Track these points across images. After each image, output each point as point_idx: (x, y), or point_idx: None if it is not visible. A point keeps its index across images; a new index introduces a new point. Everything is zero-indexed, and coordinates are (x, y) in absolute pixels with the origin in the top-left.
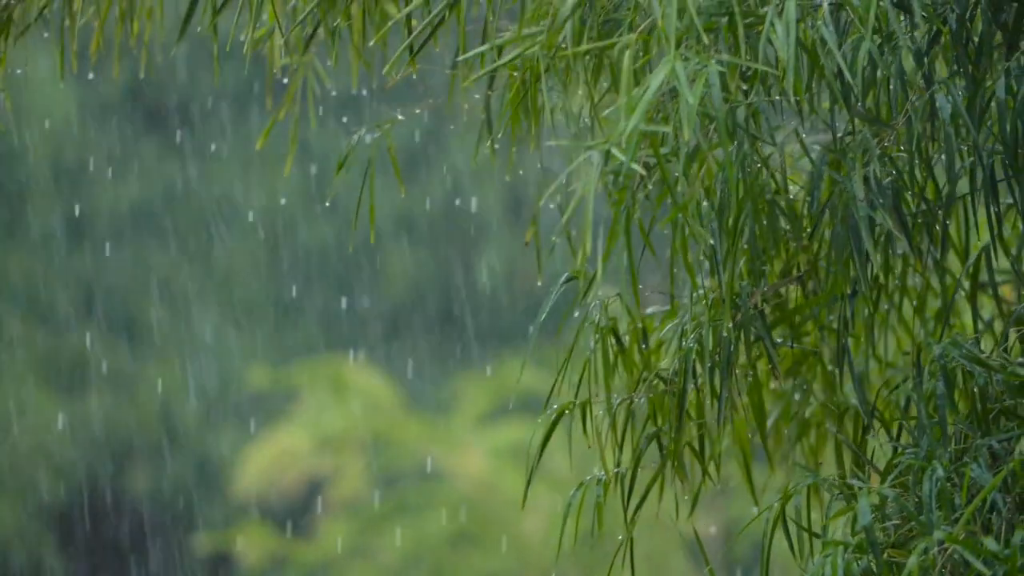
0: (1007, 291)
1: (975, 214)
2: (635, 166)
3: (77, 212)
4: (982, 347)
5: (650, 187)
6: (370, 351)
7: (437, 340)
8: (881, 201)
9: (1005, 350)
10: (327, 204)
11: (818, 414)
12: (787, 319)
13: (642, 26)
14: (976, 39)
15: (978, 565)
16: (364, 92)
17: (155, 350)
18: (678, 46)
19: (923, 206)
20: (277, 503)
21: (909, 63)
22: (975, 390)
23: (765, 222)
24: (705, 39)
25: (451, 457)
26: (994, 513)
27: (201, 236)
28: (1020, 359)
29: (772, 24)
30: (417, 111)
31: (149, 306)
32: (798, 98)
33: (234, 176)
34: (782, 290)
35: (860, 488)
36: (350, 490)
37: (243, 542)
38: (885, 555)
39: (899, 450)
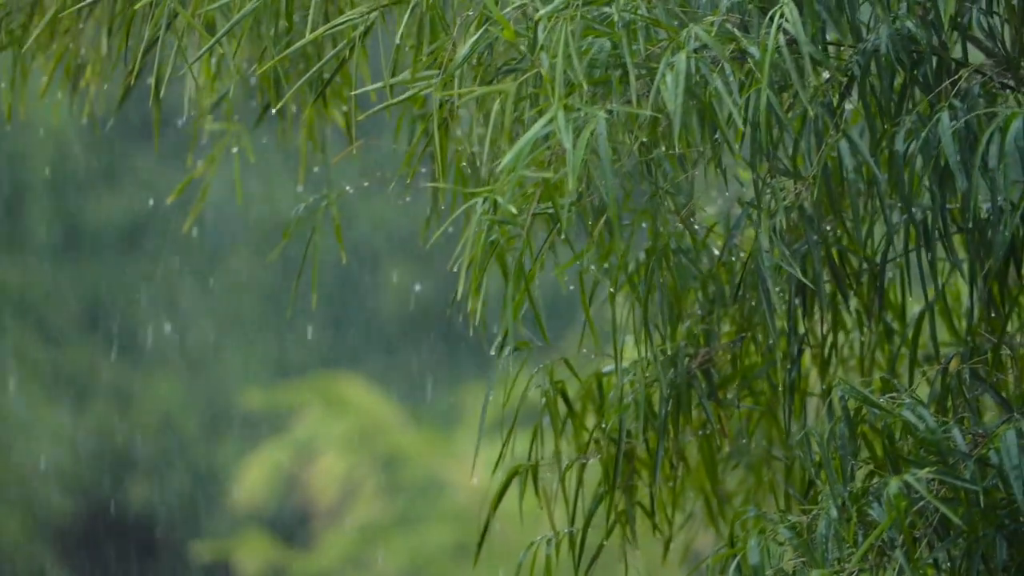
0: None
1: (908, 269)
2: (514, 210)
3: (76, 224)
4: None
5: (561, 236)
6: (371, 364)
7: (438, 353)
8: (788, 253)
9: (943, 402)
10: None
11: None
12: (739, 376)
13: (525, 75)
14: (879, 94)
15: None
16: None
17: (156, 363)
18: (573, 95)
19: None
20: (277, 514)
21: (819, 114)
22: (883, 431)
23: (672, 277)
24: (585, 89)
25: (453, 470)
26: (894, 551)
27: (201, 249)
28: (910, 399)
29: (663, 75)
30: (366, 184)
31: (150, 319)
32: (684, 149)
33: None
34: (735, 348)
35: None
36: (351, 501)
37: (243, 553)
38: None
39: (806, 491)
